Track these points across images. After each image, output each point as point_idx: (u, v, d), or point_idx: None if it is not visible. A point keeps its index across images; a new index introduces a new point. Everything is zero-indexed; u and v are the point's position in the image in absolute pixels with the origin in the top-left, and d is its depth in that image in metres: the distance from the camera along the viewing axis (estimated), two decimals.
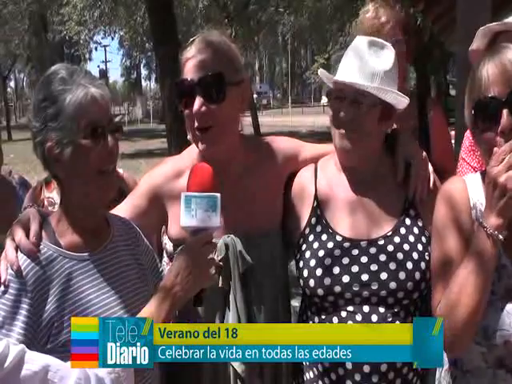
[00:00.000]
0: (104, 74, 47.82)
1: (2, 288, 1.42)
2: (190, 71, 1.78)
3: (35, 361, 1.18)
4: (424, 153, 1.94)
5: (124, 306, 1.56)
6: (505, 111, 1.45)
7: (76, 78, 1.48)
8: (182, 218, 1.50)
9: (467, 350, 1.56)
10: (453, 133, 3.13)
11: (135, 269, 1.66)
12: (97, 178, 1.51)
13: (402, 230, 1.81)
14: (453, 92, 24.47)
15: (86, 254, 1.54)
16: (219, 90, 1.76)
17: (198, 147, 1.83)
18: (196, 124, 1.78)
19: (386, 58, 1.82)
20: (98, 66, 57.05)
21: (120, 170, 2.34)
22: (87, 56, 51.40)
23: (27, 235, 1.49)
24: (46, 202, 2.47)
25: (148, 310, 1.44)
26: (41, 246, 1.49)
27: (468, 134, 2.28)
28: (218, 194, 1.51)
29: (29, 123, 1.53)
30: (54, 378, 1.19)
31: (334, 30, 26.65)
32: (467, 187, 1.61)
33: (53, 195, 2.49)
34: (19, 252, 1.46)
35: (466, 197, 1.59)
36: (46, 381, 1.17)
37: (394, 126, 2.06)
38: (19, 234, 1.48)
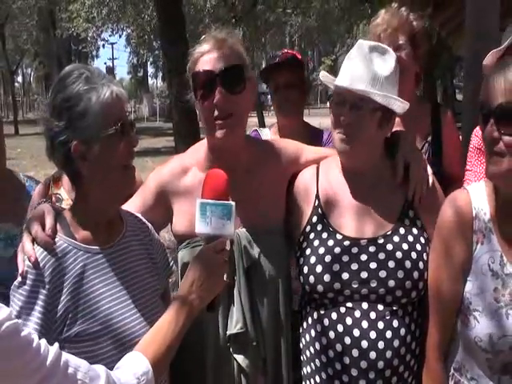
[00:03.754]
0: (111, 71, 47.85)
1: (20, 279, 1.47)
2: (207, 64, 1.81)
3: (69, 361, 1.21)
4: (422, 154, 1.97)
5: (135, 299, 1.60)
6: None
7: (98, 77, 1.53)
8: (197, 225, 1.53)
9: (472, 357, 1.60)
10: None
11: (147, 263, 1.70)
12: (122, 173, 1.56)
13: (402, 230, 1.84)
14: (459, 96, 24.36)
15: (99, 247, 1.58)
16: (240, 80, 1.82)
17: (214, 136, 1.84)
18: (216, 113, 1.81)
19: (387, 63, 1.84)
20: (105, 63, 56.97)
21: None
22: (94, 53, 51.42)
23: (43, 229, 1.53)
24: (53, 198, 2.49)
25: (166, 320, 1.46)
26: (56, 239, 1.53)
27: (476, 131, 2.28)
28: (233, 203, 1.54)
29: (46, 124, 1.53)
30: (85, 379, 1.21)
31: (341, 31, 26.58)
32: (470, 198, 1.64)
33: (60, 192, 2.51)
34: (35, 244, 1.51)
35: (469, 209, 1.63)
36: (76, 381, 1.19)
37: (399, 129, 2.08)
38: (35, 227, 1.53)
